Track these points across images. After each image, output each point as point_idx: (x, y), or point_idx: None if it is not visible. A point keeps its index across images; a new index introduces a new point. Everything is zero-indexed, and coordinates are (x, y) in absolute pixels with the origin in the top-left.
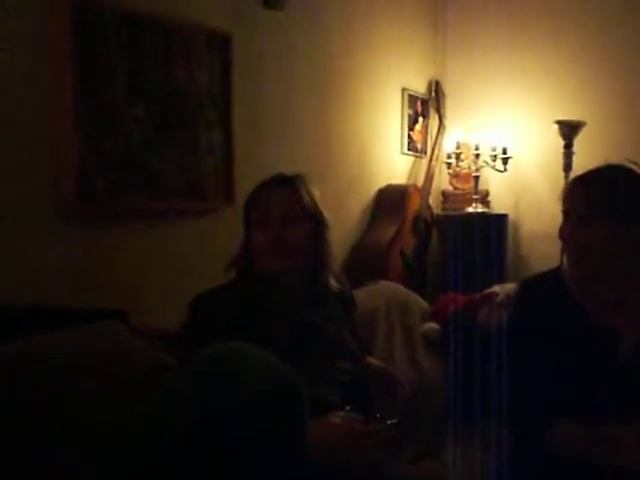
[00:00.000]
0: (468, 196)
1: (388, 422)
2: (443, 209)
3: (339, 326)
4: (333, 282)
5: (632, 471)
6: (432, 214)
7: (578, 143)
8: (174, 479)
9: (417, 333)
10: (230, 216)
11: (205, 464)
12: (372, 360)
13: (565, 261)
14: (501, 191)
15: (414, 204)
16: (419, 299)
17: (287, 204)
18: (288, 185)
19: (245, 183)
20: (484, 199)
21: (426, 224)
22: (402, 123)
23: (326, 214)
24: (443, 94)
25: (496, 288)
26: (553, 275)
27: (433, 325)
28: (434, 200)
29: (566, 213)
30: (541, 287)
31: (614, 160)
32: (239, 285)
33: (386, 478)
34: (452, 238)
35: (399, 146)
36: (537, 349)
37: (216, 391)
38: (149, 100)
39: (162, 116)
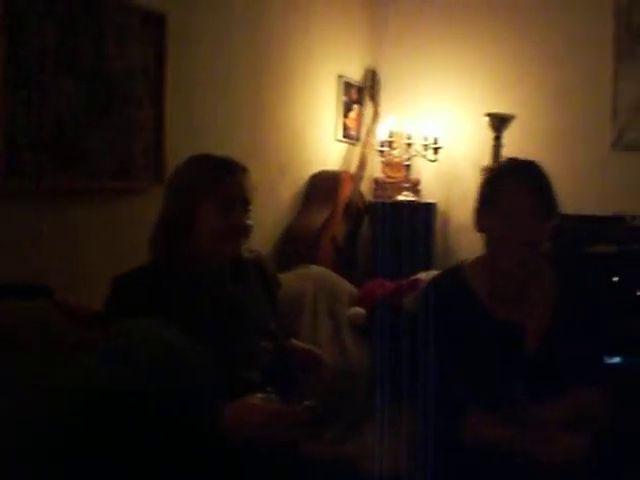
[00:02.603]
0: (399, 184)
1: (306, 403)
2: (375, 196)
3: (260, 304)
4: (246, 253)
5: (538, 458)
6: (364, 201)
7: (507, 135)
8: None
9: (344, 317)
10: (160, 195)
11: (106, 441)
12: (296, 341)
13: (495, 255)
14: (432, 180)
15: (346, 191)
16: (347, 284)
17: (249, 190)
18: (246, 170)
19: (176, 163)
20: (415, 188)
21: (358, 211)
22: (337, 110)
23: None
24: (379, 82)
25: (422, 275)
26: (456, 274)
27: (359, 310)
28: (366, 187)
29: (506, 205)
30: (445, 286)
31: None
32: (163, 264)
33: (304, 459)
34: (382, 225)
35: (333, 133)
36: (445, 347)
37: (111, 368)
38: (80, 77)
39: (93, 94)
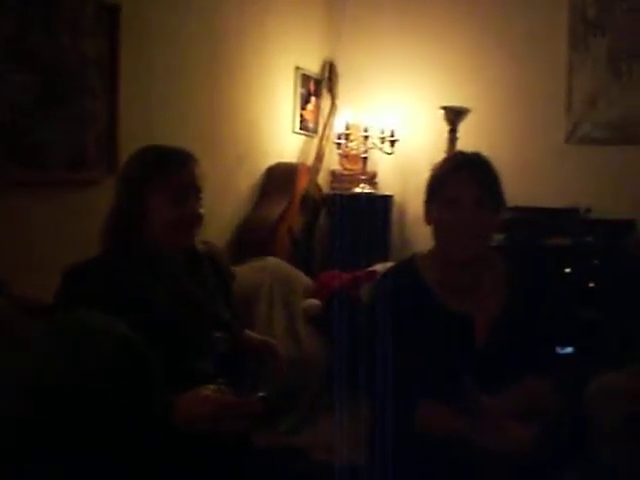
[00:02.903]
0: (356, 177)
1: (259, 394)
2: (332, 189)
3: (214, 295)
4: (200, 245)
5: (489, 448)
6: (321, 193)
7: (462, 128)
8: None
9: (299, 309)
10: (113, 187)
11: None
12: (251, 333)
13: (443, 246)
14: (388, 173)
15: (303, 183)
16: (303, 276)
17: (200, 178)
18: (195, 159)
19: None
20: (372, 180)
21: (315, 203)
22: (294, 102)
23: None
24: (336, 75)
25: (378, 266)
26: (409, 265)
27: (314, 301)
28: (324, 179)
29: (453, 198)
30: (398, 278)
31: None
32: (114, 254)
33: (256, 450)
34: (339, 217)
35: (291, 125)
36: (397, 338)
37: (56, 358)
38: (33, 68)
39: (46, 85)
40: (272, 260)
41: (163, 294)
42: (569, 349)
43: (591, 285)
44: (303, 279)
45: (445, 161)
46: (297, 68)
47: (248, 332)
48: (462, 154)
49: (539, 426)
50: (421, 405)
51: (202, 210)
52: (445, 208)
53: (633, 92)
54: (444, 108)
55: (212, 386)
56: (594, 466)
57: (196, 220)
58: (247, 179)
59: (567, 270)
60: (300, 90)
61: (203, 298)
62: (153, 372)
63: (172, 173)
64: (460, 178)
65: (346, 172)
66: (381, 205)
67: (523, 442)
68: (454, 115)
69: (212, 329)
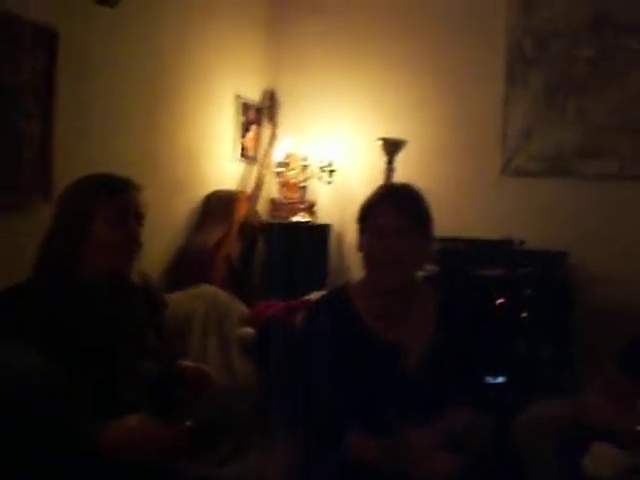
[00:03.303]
0: (295, 205)
1: (187, 424)
2: (272, 217)
3: (144, 324)
4: (135, 277)
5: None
6: (260, 221)
7: (400, 159)
8: None
9: (233, 337)
10: (47, 211)
11: None
12: (184, 362)
13: (372, 274)
14: (327, 202)
15: (242, 210)
16: (239, 304)
17: (142, 205)
18: (139, 187)
19: (65, 179)
20: (311, 209)
21: (253, 231)
22: (234, 130)
23: None
24: (277, 104)
25: (313, 295)
26: (341, 293)
27: (248, 330)
28: (263, 208)
29: (380, 227)
30: (329, 306)
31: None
32: (41, 281)
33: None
34: (278, 246)
35: (231, 152)
36: (328, 366)
37: None
38: None
39: None
40: (208, 288)
41: (90, 321)
42: (501, 379)
43: (524, 315)
44: (239, 307)
45: (375, 191)
46: (237, 96)
47: (182, 361)
48: (391, 185)
49: (467, 456)
50: (351, 434)
51: (141, 233)
52: (372, 237)
53: (566, 125)
54: (382, 139)
55: (137, 415)
56: None
57: (135, 245)
58: (185, 206)
59: (500, 301)
60: (241, 118)
61: (132, 327)
62: (69, 402)
63: (116, 197)
64: (385, 208)
65: (285, 200)
66: (319, 234)
67: (450, 472)
68: (391, 146)
69: (140, 358)
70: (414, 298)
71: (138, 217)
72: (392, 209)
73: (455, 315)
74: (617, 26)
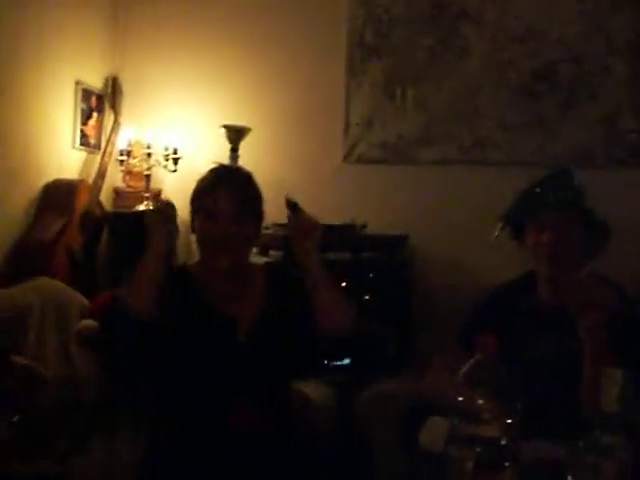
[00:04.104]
0: (140, 194)
1: (13, 420)
2: (116, 206)
3: None
4: None
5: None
6: (103, 211)
7: (244, 147)
8: None
9: (73, 330)
10: None
11: None
12: (17, 358)
13: (205, 256)
14: (173, 190)
15: (83, 200)
16: (79, 296)
17: None
18: None
19: None
20: (156, 198)
21: (96, 221)
22: (74, 117)
23: None
24: (120, 91)
25: None
26: (182, 272)
27: (89, 322)
28: (107, 197)
29: (212, 212)
30: (173, 283)
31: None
32: None
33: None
34: (121, 235)
35: (70, 140)
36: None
37: None
38: None
39: None
40: (45, 280)
41: None
42: (346, 360)
43: (367, 298)
44: (79, 300)
45: (207, 175)
46: (78, 82)
47: (14, 357)
48: (223, 168)
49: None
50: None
51: None
52: (205, 221)
53: (406, 113)
54: (225, 127)
55: None
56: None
57: None
58: (23, 196)
59: (343, 284)
60: (81, 105)
61: None
62: None
63: None
64: (218, 193)
65: (129, 189)
66: None
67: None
68: (235, 134)
69: None
70: (248, 277)
71: None
72: (225, 195)
73: (283, 283)
74: (455, 14)
